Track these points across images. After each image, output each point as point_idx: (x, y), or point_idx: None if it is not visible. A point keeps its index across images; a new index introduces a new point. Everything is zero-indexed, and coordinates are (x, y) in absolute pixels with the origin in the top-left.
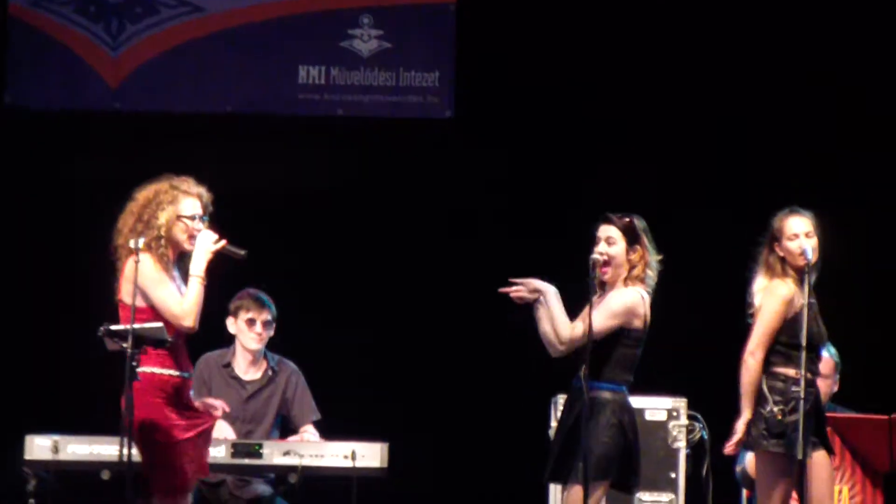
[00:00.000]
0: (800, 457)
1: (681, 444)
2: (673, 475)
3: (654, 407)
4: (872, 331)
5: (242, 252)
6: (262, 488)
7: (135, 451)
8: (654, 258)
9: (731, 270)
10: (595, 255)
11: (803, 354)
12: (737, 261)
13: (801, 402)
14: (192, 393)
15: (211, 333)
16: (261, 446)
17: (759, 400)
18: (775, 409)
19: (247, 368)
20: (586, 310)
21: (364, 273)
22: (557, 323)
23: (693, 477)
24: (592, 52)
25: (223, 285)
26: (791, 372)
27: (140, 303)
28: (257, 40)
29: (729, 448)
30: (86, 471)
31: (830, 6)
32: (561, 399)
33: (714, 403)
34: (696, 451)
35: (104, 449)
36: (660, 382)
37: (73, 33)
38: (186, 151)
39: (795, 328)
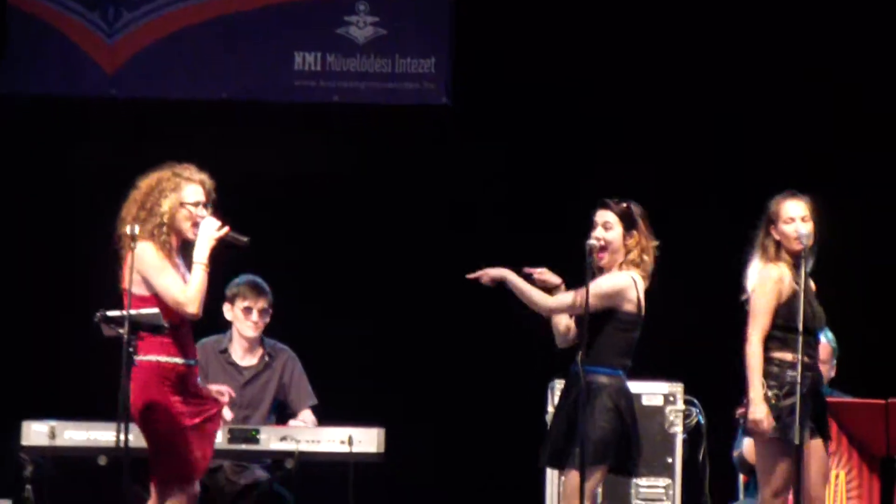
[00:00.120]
0: (796, 441)
1: (677, 429)
2: (670, 460)
3: (650, 392)
4: (868, 317)
5: (245, 239)
6: (259, 473)
7: (132, 437)
8: (651, 244)
9: (728, 256)
10: (591, 241)
11: (800, 338)
12: (733, 246)
13: (798, 386)
14: (198, 380)
15: (209, 318)
16: (258, 432)
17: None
18: (770, 393)
19: (243, 354)
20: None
21: (360, 260)
22: (531, 298)
23: (690, 462)
24: (590, 40)
25: (222, 272)
26: (787, 356)
27: (144, 290)
28: (253, 27)
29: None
30: (82, 457)
31: (827, 2)
32: (558, 384)
33: (711, 388)
34: (692, 436)
35: (101, 435)
36: (656, 368)
37: (70, 20)
38: (182, 138)
39: (791, 312)
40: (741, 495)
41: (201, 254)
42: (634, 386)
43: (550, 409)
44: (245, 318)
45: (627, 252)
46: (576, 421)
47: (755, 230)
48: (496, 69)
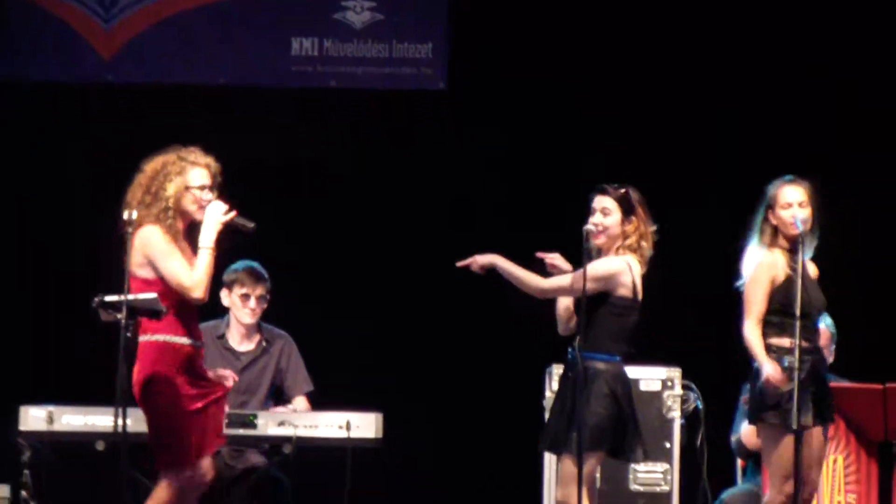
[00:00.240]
0: (794, 426)
1: (675, 414)
2: (668, 445)
3: (648, 377)
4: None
5: (251, 224)
6: (257, 459)
7: (130, 422)
8: (649, 230)
9: (725, 241)
10: (589, 226)
11: (797, 323)
12: (730, 231)
13: (796, 371)
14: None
15: (208, 303)
16: (255, 417)
17: (755, 373)
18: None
19: (241, 340)
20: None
21: (357, 245)
22: (522, 282)
23: (688, 447)
24: (588, 28)
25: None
26: (785, 342)
27: (150, 274)
28: (250, 12)
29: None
30: (80, 442)
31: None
32: (556, 369)
33: (708, 374)
34: (690, 421)
35: (99, 420)
36: (654, 353)
37: (68, 7)
38: (178, 124)
39: (787, 297)
40: (739, 480)
41: (207, 238)
42: (632, 371)
43: (548, 394)
44: (243, 305)
45: (625, 237)
46: (573, 407)
47: (754, 215)
48: (493, 54)
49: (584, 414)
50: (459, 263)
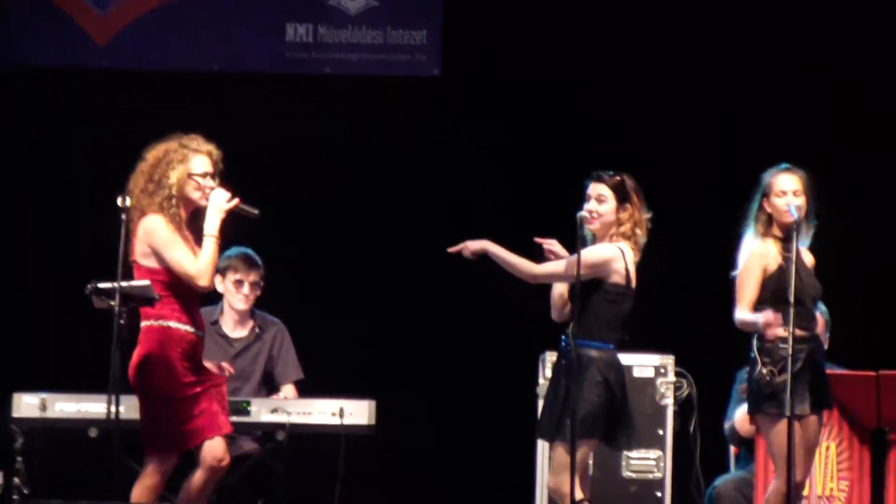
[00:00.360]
0: (787, 413)
1: (668, 401)
2: (661, 432)
3: (641, 364)
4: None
5: (255, 211)
6: (250, 445)
7: (123, 409)
8: (644, 217)
9: (719, 227)
10: (583, 213)
11: (791, 310)
12: (724, 217)
13: (789, 359)
14: None
15: None
16: (248, 404)
17: (750, 363)
18: (764, 370)
19: (234, 326)
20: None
21: (350, 230)
22: (514, 267)
23: (681, 434)
24: (583, 17)
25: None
26: (778, 331)
27: (154, 263)
28: None
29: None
30: (73, 429)
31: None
32: (549, 356)
33: (702, 361)
34: (683, 407)
35: (92, 406)
36: (647, 339)
37: None
38: (173, 110)
39: (780, 285)
40: (732, 467)
41: (211, 226)
42: (626, 358)
43: (542, 381)
44: (236, 291)
45: (619, 225)
46: (566, 394)
47: (750, 202)
48: (488, 41)
49: (578, 401)
50: (451, 249)
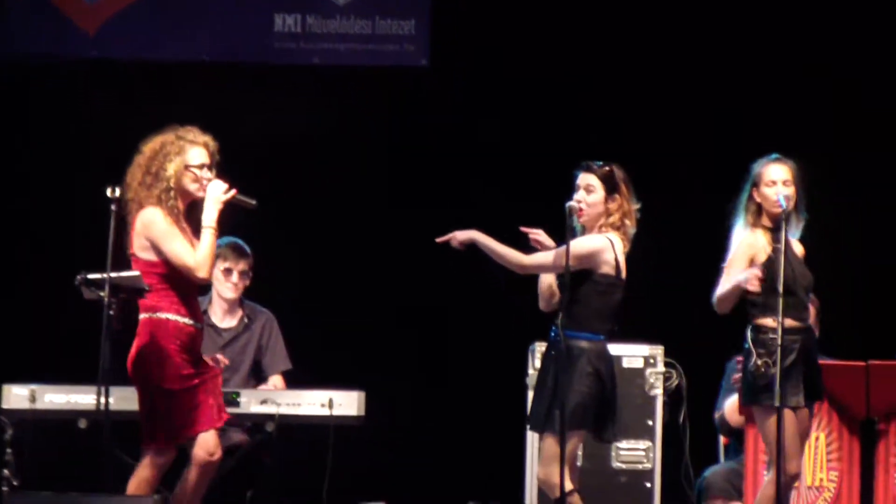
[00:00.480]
0: (776, 404)
1: (658, 392)
2: (650, 422)
3: (631, 354)
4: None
5: (253, 202)
6: (239, 437)
7: (113, 400)
8: (633, 207)
9: (710, 218)
10: (572, 203)
11: (780, 300)
12: (716, 208)
13: (778, 349)
14: None
15: None
16: (238, 395)
17: (745, 354)
18: (759, 361)
19: (223, 316)
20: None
21: (340, 221)
22: (502, 257)
23: (670, 424)
24: (574, 6)
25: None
26: (770, 322)
27: (153, 256)
28: None
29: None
30: (63, 420)
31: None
32: (538, 346)
33: (691, 351)
34: (673, 398)
35: (81, 398)
36: (637, 330)
37: None
38: (162, 100)
39: (770, 274)
40: (721, 457)
41: (209, 217)
42: (615, 348)
43: (531, 371)
44: (225, 280)
45: (608, 215)
46: (555, 385)
47: (740, 192)
48: (476, 30)
49: (567, 393)
50: (439, 239)
